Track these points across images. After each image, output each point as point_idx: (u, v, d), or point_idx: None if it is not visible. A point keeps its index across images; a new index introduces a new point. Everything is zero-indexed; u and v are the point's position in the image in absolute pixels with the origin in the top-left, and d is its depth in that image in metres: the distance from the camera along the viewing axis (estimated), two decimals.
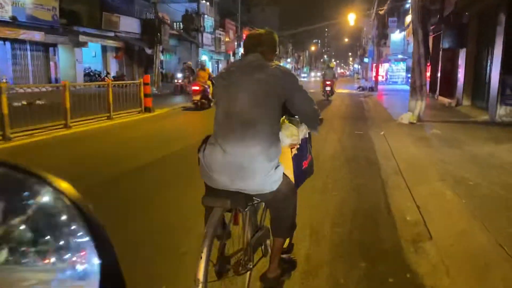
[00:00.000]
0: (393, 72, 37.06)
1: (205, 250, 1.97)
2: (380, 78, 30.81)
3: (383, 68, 36.85)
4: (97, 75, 26.29)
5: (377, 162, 6.56)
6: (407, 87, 31.31)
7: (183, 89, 21.76)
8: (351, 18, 35.41)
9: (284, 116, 2.46)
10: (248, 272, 2.42)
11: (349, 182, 5.41)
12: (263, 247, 2.58)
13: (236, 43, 43.86)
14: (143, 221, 3.99)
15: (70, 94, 9.20)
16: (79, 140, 8.23)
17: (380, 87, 27.03)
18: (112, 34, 26.46)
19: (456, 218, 3.90)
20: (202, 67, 15.40)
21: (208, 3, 43.56)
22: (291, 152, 2.45)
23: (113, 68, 27.24)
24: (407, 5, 30.31)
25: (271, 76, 2.20)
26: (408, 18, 23.91)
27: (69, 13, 23.83)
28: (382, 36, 26.15)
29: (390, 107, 14.62)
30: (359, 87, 28.81)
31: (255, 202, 2.32)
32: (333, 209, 4.28)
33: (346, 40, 79.50)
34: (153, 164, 6.29)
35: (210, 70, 41.06)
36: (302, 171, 2.57)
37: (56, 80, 22.38)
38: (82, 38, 23.08)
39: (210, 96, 13.35)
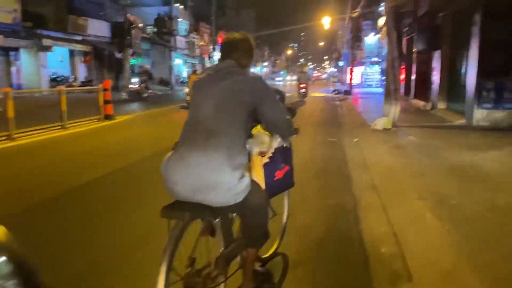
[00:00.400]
0: (368, 75, 36.86)
1: (163, 266, 1.86)
2: (355, 81, 30.48)
3: (358, 71, 36.57)
4: (64, 81, 25.16)
5: (350, 175, 5.90)
6: (382, 90, 31.32)
7: (140, 94, 20.09)
8: (326, 21, 35.06)
9: (259, 125, 2.34)
10: (222, 285, 2.23)
11: (317, 201, 4.71)
12: (240, 259, 2.40)
13: (211, 46, 43.06)
14: (85, 250, 3.35)
15: (16, 102, 8.31)
16: (21, 154, 7.33)
17: (355, 90, 26.67)
18: (80, 37, 25.35)
19: (440, 252, 3.23)
20: (194, 71, 15.21)
21: (182, 7, 42.71)
22: (261, 160, 2.34)
23: (82, 73, 26.12)
24: (381, 8, 30.18)
25: (239, 83, 2.13)
26: (382, 21, 23.60)
27: (33, 16, 22.63)
28: (356, 39, 25.77)
29: (365, 111, 14.09)
30: (334, 91, 28.39)
31: (227, 213, 2.21)
32: (295, 240, 3.56)
33: (322, 43, 79.59)
34: (98, 182, 5.48)
35: (185, 74, 40.30)
36: (275, 181, 2.45)
37: (19, 86, 21.20)
38: (46, 42, 21.97)
39: None
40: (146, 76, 20.92)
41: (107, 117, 11.20)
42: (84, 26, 25.32)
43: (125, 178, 5.83)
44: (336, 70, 69.42)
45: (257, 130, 2.34)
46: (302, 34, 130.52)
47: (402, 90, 21.49)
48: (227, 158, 2.00)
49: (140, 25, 30.80)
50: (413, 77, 17.74)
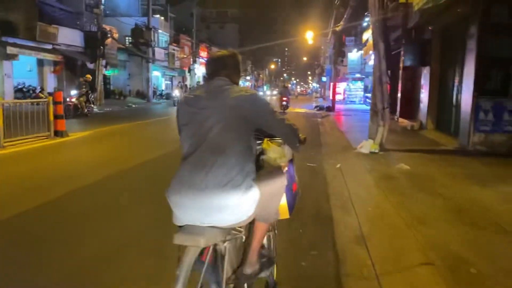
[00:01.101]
0: (351, 91, 36.05)
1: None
2: (337, 97, 29.56)
3: (341, 87, 35.75)
4: (31, 91, 23.55)
5: (332, 218, 4.64)
6: (365, 107, 30.41)
7: (79, 109, 16.82)
8: (309, 36, 34.26)
9: (265, 139, 2.40)
10: None
11: (288, 265, 3.41)
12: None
13: (192, 59, 41.85)
14: None
15: None
16: None
17: (337, 106, 25.66)
18: (49, 46, 23.83)
19: None
20: (179, 84, 13.79)
21: (162, 18, 41.54)
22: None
23: (51, 83, 24.48)
24: (365, 24, 29.45)
25: (240, 100, 2.09)
26: (366, 35, 22.73)
27: (1, 23, 21.14)
28: (339, 54, 24.82)
29: (349, 130, 12.93)
30: (316, 107, 27.37)
31: (235, 235, 2.17)
32: None
33: (305, 59, 79.23)
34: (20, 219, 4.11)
35: (163, 87, 38.95)
36: (294, 193, 2.48)
37: None
38: (10, 49, 20.40)
39: None
40: (87, 88, 17.65)
41: (58, 133, 9.78)
42: (54, 34, 23.84)
43: (53, 214, 4.48)
44: (318, 85, 68.91)
45: (268, 144, 2.39)
46: (286, 49, 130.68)
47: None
48: (235, 175, 1.96)
49: (116, 35, 29.42)
50: (399, 94, 16.73)
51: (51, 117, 9.63)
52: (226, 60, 2.29)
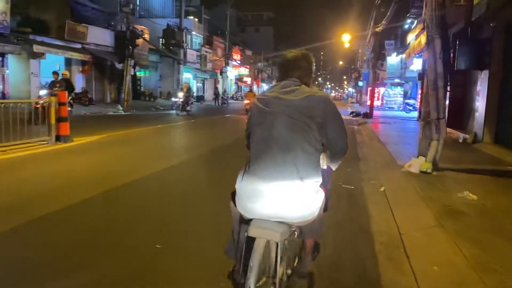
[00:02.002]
0: (390, 97, 34.00)
1: (252, 284, 1.90)
2: (375, 102, 27.66)
3: (379, 92, 33.74)
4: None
5: (379, 277, 3.18)
6: (406, 114, 28.34)
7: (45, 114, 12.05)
8: (346, 38, 32.52)
9: None
10: None
11: None
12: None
13: (224, 61, 40.81)
14: None
15: None
16: None
17: (375, 113, 23.83)
18: (78, 45, 23.27)
19: None
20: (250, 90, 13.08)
21: (196, 20, 40.77)
22: None
23: (79, 83, 23.89)
24: (406, 25, 27.46)
25: (311, 101, 2.15)
26: (411, 37, 20.87)
27: (25, 20, 20.67)
28: (379, 57, 23.02)
29: (391, 142, 11.26)
30: (352, 113, 25.63)
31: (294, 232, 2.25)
32: None
33: (341, 63, 76.96)
34: None
35: (195, 89, 38.08)
36: (328, 196, 2.51)
37: (4, 96, 19.03)
38: (37, 48, 19.82)
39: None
40: (62, 86, 13.52)
41: (61, 139, 8.69)
42: (84, 33, 23.27)
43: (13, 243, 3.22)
44: (354, 90, 66.59)
45: None
46: (321, 53, 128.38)
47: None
48: (305, 173, 2.06)
49: (147, 35, 28.70)
50: (447, 101, 14.87)
51: (53, 120, 8.54)
52: (298, 61, 2.34)
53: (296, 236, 2.28)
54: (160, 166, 7.04)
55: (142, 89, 31.22)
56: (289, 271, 2.32)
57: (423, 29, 16.83)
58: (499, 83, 10.15)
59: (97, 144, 9.23)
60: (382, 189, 6.10)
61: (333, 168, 2.44)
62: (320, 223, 2.31)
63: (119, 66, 24.49)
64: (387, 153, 9.27)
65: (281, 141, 2.08)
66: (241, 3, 70.70)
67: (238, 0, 50.91)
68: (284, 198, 2.03)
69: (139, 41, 27.06)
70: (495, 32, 10.09)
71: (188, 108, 20.90)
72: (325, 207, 2.40)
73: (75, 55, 22.84)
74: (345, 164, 7.61)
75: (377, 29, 20.14)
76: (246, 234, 2.07)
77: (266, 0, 76.26)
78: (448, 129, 13.90)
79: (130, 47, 23.84)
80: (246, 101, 23.03)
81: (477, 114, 11.05)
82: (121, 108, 21.29)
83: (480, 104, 10.78)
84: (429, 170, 6.89)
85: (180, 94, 21.28)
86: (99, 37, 24.94)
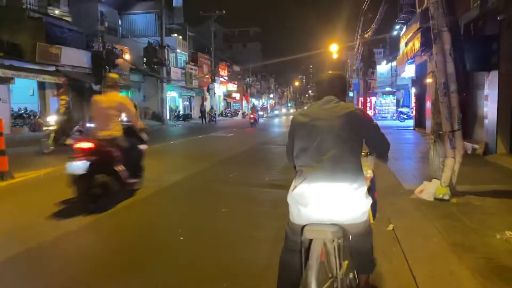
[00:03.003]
0: (382, 106, 32.74)
1: (313, 280, 2.08)
2: (368, 112, 26.32)
3: (371, 102, 32.50)
4: (32, 117, 21.50)
5: None
6: (400, 123, 26.99)
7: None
8: (334, 49, 31.38)
9: None
10: None
11: None
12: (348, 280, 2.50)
13: (211, 78, 39.45)
14: None
15: None
16: None
17: None
18: (52, 68, 21.77)
19: None
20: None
21: (181, 37, 39.54)
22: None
23: (54, 108, 22.33)
24: (395, 32, 26.33)
25: (352, 116, 2.37)
26: (401, 43, 19.62)
27: (4, 45, 19.25)
28: (370, 65, 21.75)
29: (390, 157, 9.78)
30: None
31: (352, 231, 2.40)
32: None
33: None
34: None
35: (181, 107, 36.62)
36: (375, 201, 2.68)
37: None
38: (4, 72, 18.27)
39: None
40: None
41: None
42: (57, 55, 21.76)
43: None
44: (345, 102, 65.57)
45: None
46: (310, 66, 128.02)
47: (428, 124, 17.36)
48: (352, 180, 2.27)
49: (127, 54, 27.33)
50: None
51: None
52: (334, 80, 2.61)
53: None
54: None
55: None
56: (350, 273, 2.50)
57: (416, 31, 15.57)
58: (511, 85, 8.79)
59: (38, 183, 7.55)
60: (390, 227, 4.61)
61: (385, 163, 2.89)
62: (368, 231, 2.44)
63: (96, 87, 22.98)
64: (388, 173, 7.79)
65: (329, 153, 2.31)
66: (227, 21, 70.03)
67: (225, 17, 49.93)
68: (335, 202, 2.25)
69: (119, 61, 25.67)
70: (503, 27, 8.75)
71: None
72: (374, 215, 2.67)
73: (48, 78, 21.31)
74: None
75: (366, 35, 18.88)
76: (301, 239, 2.32)
77: (252, 16, 75.67)
78: None
79: (107, 67, 22.38)
80: (252, 115, 27.46)
81: (486, 121, 9.65)
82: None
83: (490, 109, 9.39)
84: (446, 197, 5.41)
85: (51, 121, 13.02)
86: (75, 58, 23.46)
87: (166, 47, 29.02)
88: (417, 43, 14.52)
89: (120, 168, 5.43)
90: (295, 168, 2.50)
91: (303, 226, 2.31)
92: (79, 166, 5.01)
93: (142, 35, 34.52)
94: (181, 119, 32.31)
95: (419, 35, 14.57)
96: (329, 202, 2.25)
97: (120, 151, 5.50)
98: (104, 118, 5.57)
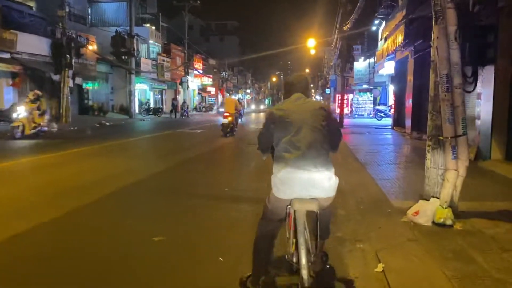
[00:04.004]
0: (359, 104, 31.75)
1: (303, 243, 2.58)
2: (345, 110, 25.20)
3: (347, 99, 31.45)
4: None
5: None
6: (377, 121, 25.99)
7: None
8: (311, 44, 30.20)
9: None
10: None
11: None
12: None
13: (184, 70, 37.70)
14: None
15: None
16: None
17: (345, 121, 21.31)
18: (6, 55, 19.81)
19: None
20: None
21: (154, 28, 37.66)
22: None
23: (9, 98, 20.41)
24: (374, 27, 25.24)
25: (322, 111, 2.83)
26: (381, 36, 18.47)
27: None
28: (348, 60, 20.58)
29: (372, 161, 8.56)
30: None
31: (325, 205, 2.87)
32: None
33: (307, 70, 75.09)
34: None
35: (151, 101, 34.85)
36: None
37: None
38: None
39: None
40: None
41: None
42: (12, 41, 19.79)
43: None
44: (321, 98, 64.67)
45: None
46: (289, 63, 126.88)
47: (408, 123, 16.31)
48: (325, 162, 2.72)
49: (93, 43, 25.43)
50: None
51: None
52: (300, 81, 3.04)
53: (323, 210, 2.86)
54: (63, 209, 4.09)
55: (90, 102, 27.78)
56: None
57: (398, 23, 14.44)
58: (508, 82, 7.68)
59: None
60: (380, 267, 3.34)
61: (334, 152, 2.97)
62: (331, 204, 2.93)
63: (55, 77, 21.13)
64: (371, 182, 6.54)
65: (305, 140, 2.70)
66: (204, 13, 68.05)
67: (201, 9, 48.03)
68: (315, 181, 2.66)
69: (84, 50, 23.83)
70: (502, 16, 7.61)
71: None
72: None
73: (2, 66, 19.39)
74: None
75: (345, 27, 17.68)
76: (287, 211, 2.78)
77: (230, 9, 73.89)
78: None
79: (68, 55, 20.54)
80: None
81: (478, 122, 8.52)
82: (55, 125, 17.95)
83: (483, 109, 8.25)
84: (448, 222, 4.18)
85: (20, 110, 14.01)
86: (34, 45, 21.47)
87: (136, 37, 27.19)
88: (400, 36, 13.40)
89: (235, 123, 15.81)
90: (272, 155, 2.90)
91: (291, 200, 2.71)
92: (225, 120, 15.15)
93: (113, 24, 32.41)
94: (150, 113, 30.56)
95: (402, 27, 13.47)
96: (309, 181, 2.66)
97: (235, 118, 15.85)
98: (231, 106, 15.97)
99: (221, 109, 31.93)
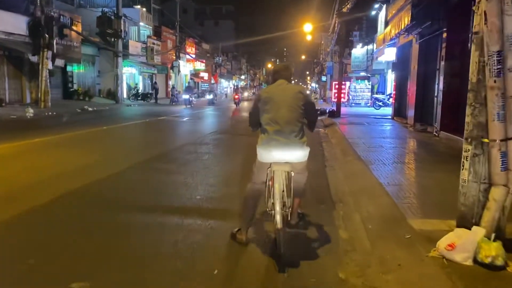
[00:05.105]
0: (356, 92, 30.36)
1: (278, 194, 3.24)
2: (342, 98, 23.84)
3: (345, 87, 30.05)
4: None
5: None
6: (376, 111, 24.47)
7: None
8: (308, 29, 28.71)
9: None
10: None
11: None
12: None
13: (175, 54, 36.07)
14: None
15: None
16: None
17: (342, 110, 20.01)
18: None
19: None
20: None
21: (144, 9, 35.93)
22: None
23: None
24: (373, 12, 23.76)
25: (299, 94, 3.49)
26: (380, 19, 17.01)
27: None
28: (347, 45, 19.18)
29: (377, 159, 7.25)
30: (316, 110, 21.73)
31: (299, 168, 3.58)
32: None
33: (303, 57, 73.34)
34: None
35: (140, 85, 33.30)
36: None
37: None
38: None
39: None
40: None
41: None
42: None
43: None
44: (317, 86, 63.20)
45: None
46: (284, 49, 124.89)
47: (410, 114, 15.01)
48: (298, 134, 3.42)
49: (78, 24, 23.82)
50: (438, 96, 11.21)
51: None
52: (285, 70, 3.67)
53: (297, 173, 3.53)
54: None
55: (75, 86, 26.25)
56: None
57: (404, 3, 13.07)
58: None
59: None
60: None
61: (312, 131, 3.80)
62: (305, 169, 3.68)
63: (33, 58, 19.60)
64: (378, 189, 5.27)
65: (284, 117, 3.37)
66: None
67: None
68: (289, 149, 3.38)
69: (68, 31, 22.29)
70: None
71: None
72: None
73: None
74: (313, 215, 3.74)
75: (344, 9, 16.26)
76: (268, 172, 3.41)
77: None
78: (445, 134, 10.18)
79: (47, 35, 19.00)
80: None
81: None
82: (31, 110, 16.53)
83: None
84: (498, 261, 2.92)
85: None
86: (11, 24, 19.84)
87: (123, 18, 25.57)
88: (406, 18, 12.05)
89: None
90: (260, 128, 3.58)
91: (270, 164, 3.39)
92: (236, 100, 29.03)
93: (102, 5, 30.73)
94: (139, 98, 29.07)
95: (408, 7, 12.14)
96: (285, 149, 3.37)
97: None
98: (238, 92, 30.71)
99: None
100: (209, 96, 33.28)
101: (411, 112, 14.34)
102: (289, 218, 3.54)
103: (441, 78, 10.81)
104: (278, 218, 3.12)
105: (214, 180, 6.12)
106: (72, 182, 5.58)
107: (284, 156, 3.35)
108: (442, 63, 10.66)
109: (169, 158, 7.87)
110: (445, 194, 4.73)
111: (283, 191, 3.30)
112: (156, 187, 5.59)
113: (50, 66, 19.50)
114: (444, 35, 10.60)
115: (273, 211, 3.23)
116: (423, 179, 5.74)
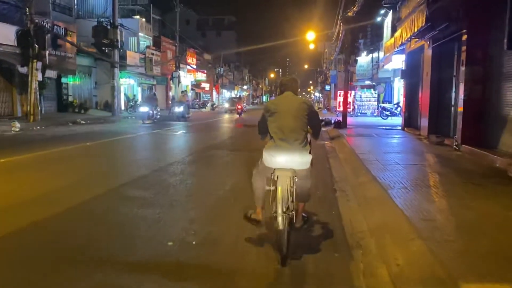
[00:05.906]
0: (362, 101, 29.13)
1: (280, 198, 3.39)
2: (347, 108, 22.65)
3: (351, 95, 28.85)
4: None
5: None
6: (383, 121, 23.16)
7: None
8: (311, 37, 27.72)
9: None
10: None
11: None
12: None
13: (175, 64, 35.09)
14: None
15: None
16: None
17: (348, 120, 18.82)
18: None
19: None
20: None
21: (144, 20, 35.11)
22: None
23: None
24: (379, 18, 22.70)
25: (304, 105, 3.75)
26: (386, 25, 15.88)
27: None
28: (353, 51, 18.05)
29: (396, 181, 6.00)
30: (321, 121, 20.56)
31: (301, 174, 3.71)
32: None
33: (306, 66, 72.40)
34: None
35: (139, 96, 32.25)
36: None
37: None
38: None
39: None
40: None
41: None
42: None
43: None
44: (320, 95, 62.10)
45: None
46: (287, 59, 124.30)
47: (423, 124, 13.79)
48: (302, 143, 3.63)
49: (74, 34, 22.90)
50: (457, 102, 10.04)
51: None
52: (291, 82, 3.92)
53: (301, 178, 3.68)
54: None
55: (71, 98, 25.25)
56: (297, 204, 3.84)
57: (416, 6, 11.94)
58: None
59: None
60: None
61: (316, 139, 4.11)
62: (308, 175, 3.78)
63: (22, 69, 18.61)
64: (406, 226, 4.04)
65: (289, 127, 3.62)
66: (201, 7, 65.44)
67: (198, 3, 45.51)
68: (292, 155, 3.56)
69: (68, 42, 21.42)
70: None
71: None
72: (311, 164, 3.76)
73: None
74: (324, 269, 2.43)
75: (350, 13, 15.17)
76: (271, 177, 3.57)
77: (227, 4, 71.32)
78: (468, 148, 8.98)
79: (37, 45, 18.00)
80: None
81: None
82: (18, 125, 15.45)
83: None
84: None
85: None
86: (1, 34, 18.94)
87: (120, 27, 24.62)
88: (420, 19, 10.91)
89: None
90: (269, 136, 3.76)
91: (274, 169, 3.57)
92: (239, 111, 29.99)
93: (101, 16, 29.91)
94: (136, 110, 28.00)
95: (422, 7, 11.02)
96: (288, 155, 3.55)
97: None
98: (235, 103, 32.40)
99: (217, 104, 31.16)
100: (178, 109, 23.49)
101: (424, 122, 13.14)
102: (294, 221, 3.66)
103: (461, 85, 9.64)
104: (279, 219, 3.31)
105: (198, 213, 4.93)
106: (18, 217, 4.42)
107: (287, 162, 3.56)
108: (462, 68, 9.49)
109: (149, 181, 6.61)
110: (496, 235, 3.53)
111: (287, 194, 3.47)
112: (119, 227, 4.35)
113: (39, 77, 18.47)
114: (464, 37, 9.45)
115: (275, 214, 3.37)
116: (461, 211, 4.51)
